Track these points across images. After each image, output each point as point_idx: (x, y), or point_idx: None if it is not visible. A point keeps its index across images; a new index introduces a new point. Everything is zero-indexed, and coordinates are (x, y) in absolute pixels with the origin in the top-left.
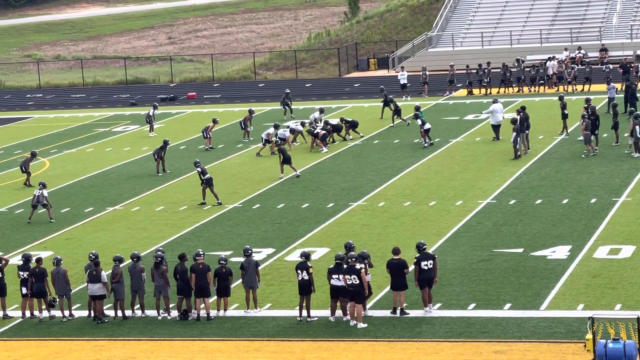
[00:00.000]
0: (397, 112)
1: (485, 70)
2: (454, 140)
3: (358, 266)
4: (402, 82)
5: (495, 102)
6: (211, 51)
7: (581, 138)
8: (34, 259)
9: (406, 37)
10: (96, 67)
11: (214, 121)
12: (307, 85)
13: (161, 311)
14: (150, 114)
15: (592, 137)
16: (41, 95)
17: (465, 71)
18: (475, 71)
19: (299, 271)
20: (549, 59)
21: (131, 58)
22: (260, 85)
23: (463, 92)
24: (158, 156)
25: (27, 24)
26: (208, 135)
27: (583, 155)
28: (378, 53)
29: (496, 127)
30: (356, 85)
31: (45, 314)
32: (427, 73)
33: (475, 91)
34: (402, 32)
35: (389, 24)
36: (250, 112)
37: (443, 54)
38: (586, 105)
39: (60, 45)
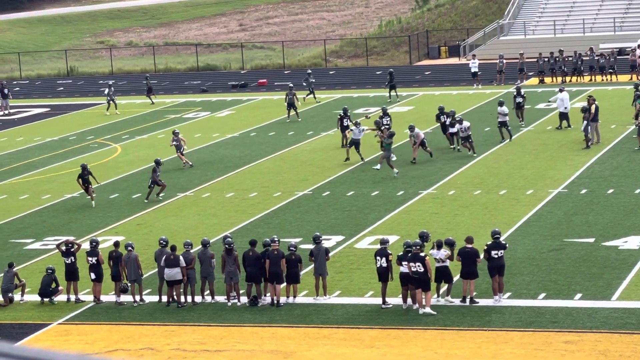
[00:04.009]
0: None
1: (558, 59)
2: (525, 129)
3: (422, 254)
4: (473, 70)
5: (561, 90)
6: (282, 38)
7: None
8: (101, 243)
9: (478, 25)
10: (168, 54)
11: (175, 134)
12: (378, 73)
13: (232, 296)
14: (107, 92)
15: None
16: (113, 81)
17: (536, 59)
18: (547, 59)
19: (378, 258)
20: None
21: (202, 45)
22: (331, 72)
23: (534, 80)
24: (153, 181)
25: (100, 11)
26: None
27: None
28: (449, 41)
29: (562, 116)
30: (427, 73)
31: (119, 298)
32: (504, 61)
33: (547, 79)
34: (474, 20)
35: (461, 11)
36: (290, 88)
37: (515, 42)
38: None
39: (132, 32)
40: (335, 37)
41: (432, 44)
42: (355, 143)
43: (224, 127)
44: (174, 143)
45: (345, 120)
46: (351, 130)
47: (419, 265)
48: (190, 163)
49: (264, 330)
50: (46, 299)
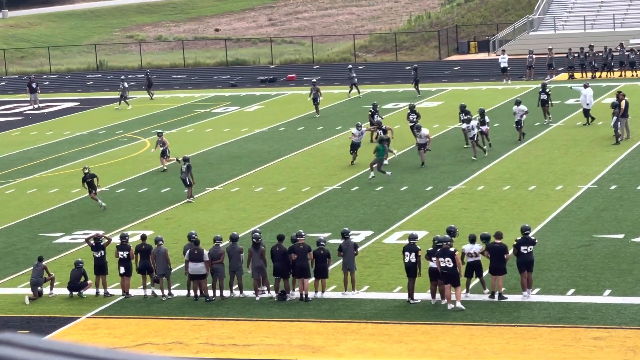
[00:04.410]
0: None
1: (588, 54)
2: (555, 125)
3: (452, 249)
4: (502, 65)
5: (585, 87)
6: (311, 33)
7: None
8: (130, 237)
9: (507, 20)
10: (197, 48)
11: (159, 135)
12: (407, 68)
13: (260, 290)
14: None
15: None
16: (142, 75)
17: (566, 55)
18: (577, 55)
19: (407, 253)
20: None
21: (232, 39)
22: (360, 67)
23: (564, 75)
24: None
25: (129, 5)
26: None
27: None
28: (479, 36)
29: (585, 112)
30: (456, 68)
31: (149, 291)
32: (534, 57)
33: (577, 75)
34: (503, 15)
35: (490, 6)
36: (314, 83)
37: (544, 38)
38: None
39: (161, 27)
40: (365, 32)
41: (462, 39)
42: (355, 145)
43: (253, 121)
44: (160, 146)
45: (375, 115)
46: (353, 133)
47: (448, 261)
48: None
49: (292, 325)
50: (75, 293)
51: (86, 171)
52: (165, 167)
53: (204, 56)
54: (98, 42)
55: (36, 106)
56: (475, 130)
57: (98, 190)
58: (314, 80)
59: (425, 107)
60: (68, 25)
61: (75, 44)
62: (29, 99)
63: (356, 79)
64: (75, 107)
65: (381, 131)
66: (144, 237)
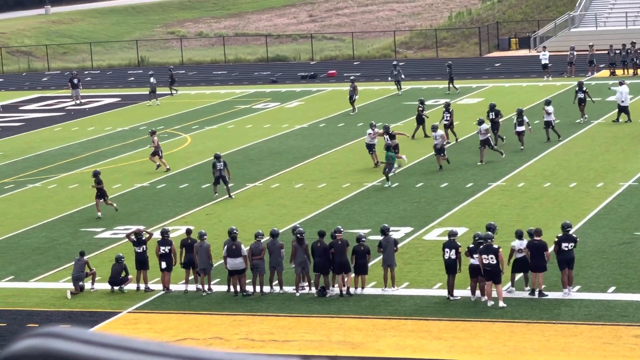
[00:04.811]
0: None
1: (630, 51)
2: (595, 122)
3: (495, 245)
4: (543, 62)
5: (621, 84)
6: (352, 29)
7: None
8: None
9: (548, 17)
10: (237, 45)
11: (152, 133)
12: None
13: (301, 286)
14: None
15: None
16: (183, 71)
17: (607, 52)
18: (618, 52)
19: (447, 250)
20: None
21: (272, 36)
22: (401, 63)
23: (605, 72)
24: (221, 178)
25: (170, 1)
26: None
27: None
28: (519, 32)
29: (620, 109)
30: (497, 65)
31: (190, 286)
32: (575, 53)
33: (618, 72)
34: (545, 12)
35: (531, 3)
36: (352, 80)
37: (586, 34)
38: None
39: (202, 22)
40: (405, 29)
41: (502, 36)
42: (370, 146)
43: (293, 117)
44: (154, 145)
45: (423, 112)
46: (368, 133)
47: (491, 257)
48: (157, 166)
49: (332, 321)
50: (116, 288)
51: (97, 177)
52: (158, 164)
53: (244, 52)
54: (139, 38)
55: (78, 102)
56: (487, 135)
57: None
58: (352, 77)
59: (465, 104)
60: (110, 21)
61: (117, 40)
62: (71, 94)
63: (401, 77)
64: (116, 102)
65: (387, 136)
66: (189, 232)
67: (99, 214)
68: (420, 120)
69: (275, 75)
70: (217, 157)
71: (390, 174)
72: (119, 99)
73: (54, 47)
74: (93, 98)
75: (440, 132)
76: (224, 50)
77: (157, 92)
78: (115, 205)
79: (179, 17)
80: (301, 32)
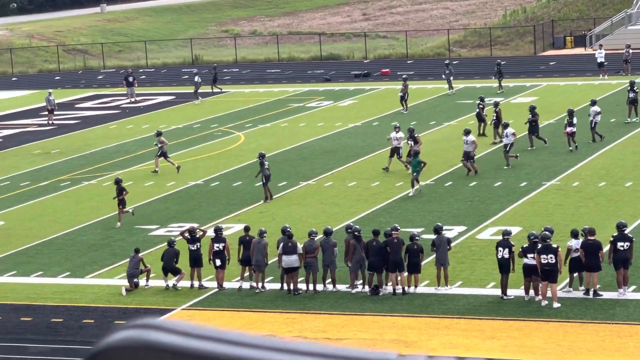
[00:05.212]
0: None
1: None
2: None
3: (554, 245)
4: (599, 60)
5: None
6: (405, 28)
7: None
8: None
9: (604, 15)
10: (291, 43)
11: (159, 134)
12: (503, 63)
13: (356, 284)
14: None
15: None
16: (237, 70)
17: None
18: None
19: (500, 249)
20: None
21: (326, 34)
22: (454, 62)
23: None
24: (265, 178)
25: (225, 0)
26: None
27: None
28: (575, 31)
29: None
30: (552, 63)
31: (245, 283)
32: (631, 51)
33: None
34: (601, 10)
35: (587, 1)
36: (405, 79)
37: None
38: None
39: (256, 21)
40: (459, 27)
41: (558, 34)
42: (395, 150)
43: (347, 116)
44: (159, 145)
45: (481, 109)
46: (390, 137)
47: (551, 257)
48: (157, 169)
49: (385, 320)
50: (170, 283)
51: (118, 185)
52: (156, 170)
53: (298, 50)
54: (193, 36)
55: (133, 100)
56: (511, 139)
57: (126, 208)
58: (404, 76)
59: (519, 103)
60: (164, 20)
61: (171, 38)
62: (126, 92)
63: (451, 76)
64: (170, 100)
65: (412, 141)
66: (247, 229)
67: (119, 224)
68: (481, 119)
69: (328, 74)
70: (263, 156)
71: (417, 187)
72: (173, 97)
73: (109, 46)
74: (147, 96)
75: (472, 137)
76: (277, 48)
77: (200, 91)
78: (131, 210)
79: (232, 15)
80: (355, 30)
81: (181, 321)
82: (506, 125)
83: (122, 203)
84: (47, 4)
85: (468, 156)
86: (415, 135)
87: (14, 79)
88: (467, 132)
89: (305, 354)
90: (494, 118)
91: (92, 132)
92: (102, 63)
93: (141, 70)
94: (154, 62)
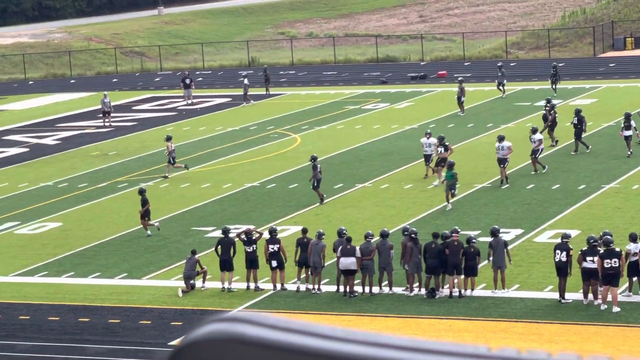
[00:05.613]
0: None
1: None
2: None
3: (618, 249)
4: None
5: None
6: (462, 30)
7: None
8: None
9: None
10: (347, 45)
11: (168, 139)
12: (561, 65)
13: (412, 286)
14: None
15: None
16: (294, 72)
17: None
18: None
19: (558, 251)
20: None
21: (382, 36)
22: (512, 64)
23: None
24: (317, 181)
25: (281, 2)
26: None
27: None
28: (635, 32)
29: None
30: (611, 65)
31: (303, 286)
32: None
33: None
34: None
35: None
36: (460, 81)
37: None
38: None
39: (312, 23)
40: (517, 29)
41: (618, 35)
42: (428, 157)
43: (403, 118)
44: (169, 150)
45: (551, 111)
46: (425, 144)
47: (614, 261)
48: (167, 175)
49: (442, 323)
50: (225, 285)
51: (142, 194)
52: (165, 175)
53: (354, 53)
54: (250, 38)
55: (190, 102)
56: (539, 145)
57: (150, 221)
58: (460, 78)
59: (578, 105)
60: (221, 22)
61: (228, 41)
62: (183, 94)
63: (504, 80)
64: (227, 102)
65: (442, 148)
66: (304, 231)
67: (149, 232)
68: (547, 120)
69: (385, 76)
70: (315, 159)
71: (451, 199)
72: (230, 99)
73: (166, 48)
74: (204, 98)
75: (508, 143)
76: (334, 50)
77: (252, 93)
78: (157, 224)
79: (289, 17)
80: (411, 32)
81: (271, 314)
82: (534, 131)
83: (146, 214)
84: (105, 7)
85: (502, 162)
86: (447, 143)
87: (72, 81)
88: (500, 139)
89: (405, 349)
90: (550, 121)
91: (149, 134)
92: (159, 65)
93: (198, 73)
94: (210, 65)
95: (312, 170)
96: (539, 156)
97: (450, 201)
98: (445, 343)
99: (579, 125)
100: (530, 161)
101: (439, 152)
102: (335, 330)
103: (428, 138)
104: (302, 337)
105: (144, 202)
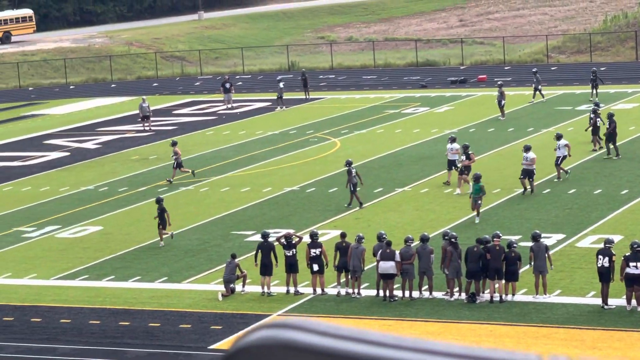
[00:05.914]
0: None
1: None
2: None
3: None
4: None
5: None
6: (502, 34)
7: None
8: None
9: None
10: (387, 49)
11: (174, 144)
12: (602, 69)
13: (452, 291)
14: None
15: None
16: (334, 76)
17: None
18: None
19: (600, 257)
20: None
21: (422, 40)
22: (553, 68)
23: None
24: (353, 186)
25: (321, 6)
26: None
27: None
28: None
29: None
30: None
31: (343, 290)
32: None
33: None
34: None
35: None
36: (500, 85)
37: None
38: None
39: (352, 27)
40: (558, 33)
41: None
42: (451, 163)
43: (443, 122)
44: (174, 156)
45: (597, 118)
46: (450, 149)
47: None
48: (171, 179)
49: (482, 328)
50: (265, 289)
51: (160, 204)
52: (172, 179)
53: (394, 57)
54: (290, 42)
55: (229, 106)
56: (564, 152)
57: (168, 229)
58: (500, 82)
59: (620, 109)
60: (261, 27)
61: (268, 45)
62: (223, 99)
63: (540, 85)
64: (267, 107)
65: (464, 156)
66: (343, 235)
67: (162, 243)
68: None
69: (424, 80)
70: (350, 164)
71: (477, 219)
72: (270, 104)
73: (206, 52)
74: (244, 102)
75: (532, 155)
76: (373, 54)
77: (290, 97)
78: (171, 234)
79: (329, 22)
80: (451, 36)
81: (319, 321)
82: (559, 137)
83: (162, 223)
84: (146, 12)
85: (529, 174)
86: (470, 152)
87: (113, 85)
88: (526, 149)
89: (449, 355)
90: (591, 125)
91: (189, 138)
92: (199, 69)
93: (238, 77)
94: (250, 69)
95: (347, 174)
96: (560, 163)
97: (479, 213)
98: (497, 350)
99: (612, 130)
100: (557, 168)
101: (462, 159)
102: (386, 336)
103: (452, 143)
104: (353, 344)
105: (162, 212)
